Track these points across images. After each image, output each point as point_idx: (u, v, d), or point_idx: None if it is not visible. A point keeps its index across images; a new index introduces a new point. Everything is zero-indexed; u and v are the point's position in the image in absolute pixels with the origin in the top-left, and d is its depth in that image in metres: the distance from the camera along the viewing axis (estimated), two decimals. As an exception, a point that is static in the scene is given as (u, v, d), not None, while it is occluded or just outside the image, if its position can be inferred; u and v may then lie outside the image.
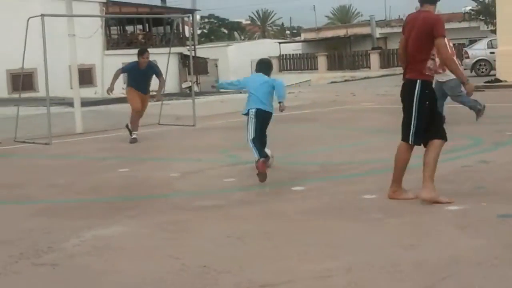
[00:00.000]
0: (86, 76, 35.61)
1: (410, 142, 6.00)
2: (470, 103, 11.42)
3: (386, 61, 38.55)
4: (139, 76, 11.30)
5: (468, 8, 44.92)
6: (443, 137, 6.00)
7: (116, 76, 11.46)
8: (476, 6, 36.96)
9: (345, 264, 4.28)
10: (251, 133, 7.51)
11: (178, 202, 6.55)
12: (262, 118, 7.59)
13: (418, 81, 5.85)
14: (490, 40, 27.57)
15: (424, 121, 5.93)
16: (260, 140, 7.54)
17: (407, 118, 6.02)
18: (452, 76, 11.33)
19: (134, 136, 11.21)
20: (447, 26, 34.72)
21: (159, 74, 11.62)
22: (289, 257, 4.52)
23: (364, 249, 4.63)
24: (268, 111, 7.64)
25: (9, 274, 4.44)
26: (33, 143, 11.68)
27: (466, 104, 11.55)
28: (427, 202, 5.77)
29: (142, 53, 11.38)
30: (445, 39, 5.84)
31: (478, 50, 27.71)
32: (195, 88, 21.34)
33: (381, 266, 4.23)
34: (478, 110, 11.48)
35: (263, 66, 7.96)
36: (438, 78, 11.84)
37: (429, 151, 5.93)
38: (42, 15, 11.66)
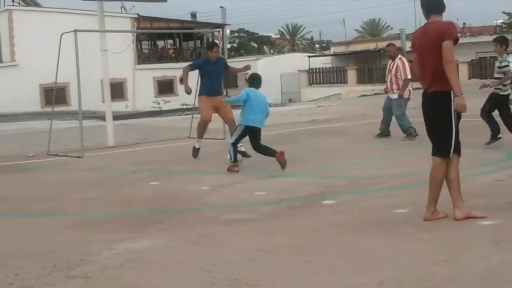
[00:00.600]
0: (117, 90, 36.03)
1: (450, 157, 5.74)
2: (405, 126, 11.94)
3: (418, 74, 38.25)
4: (212, 71, 10.80)
5: (499, 21, 44.53)
6: (459, 151, 5.86)
7: (186, 74, 10.94)
8: (508, 19, 36.63)
9: (376, 279, 4.24)
10: (237, 139, 9.28)
11: (208, 215, 6.57)
12: (258, 134, 9.24)
13: (451, 92, 5.65)
14: (522, 53, 27.23)
15: (458, 132, 5.82)
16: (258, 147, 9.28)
17: (443, 131, 5.74)
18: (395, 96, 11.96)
19: (197, 146, 10.87)
20: (479, 39, 34.31)
21: (228, 67, 11.31)
22: (320, 272, 4.50)
23: (395, 264, 4.59)
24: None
25: (42, 286, 4.49)
26: (66, 156, 11.83)
27: (401, 125, 12.06)
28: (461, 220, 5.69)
29: (211, 47, 11.00)
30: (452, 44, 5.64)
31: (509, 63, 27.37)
32: (225, 102, 21.41)
33: (413, 281, 4.19)
34: (410, 133, 11.84)
35: (259, 81, 9.44)
36: (391, 95, 12.06)
37: (452, 167, 5.77)
38: (75, 31, 11.82)
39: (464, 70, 37.14)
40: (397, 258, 4.74)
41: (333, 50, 52.40)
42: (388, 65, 12.45)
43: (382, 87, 14.15)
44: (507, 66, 10.21)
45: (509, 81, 10.32)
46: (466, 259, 4.66)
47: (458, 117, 5.79)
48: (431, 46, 5.68)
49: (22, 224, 6.64)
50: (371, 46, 47.69)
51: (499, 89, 10.35)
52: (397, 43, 45.11)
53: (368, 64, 42.57)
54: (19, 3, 44.07)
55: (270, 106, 9.15)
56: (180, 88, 33.69)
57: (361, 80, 40.82)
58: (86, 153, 11.69)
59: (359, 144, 11.69)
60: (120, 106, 32.57)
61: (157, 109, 33.30)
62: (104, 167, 10.47)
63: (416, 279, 4.22)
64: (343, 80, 42.28)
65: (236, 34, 72.85)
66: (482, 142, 10.39)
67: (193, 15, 48.72)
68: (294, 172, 8.71)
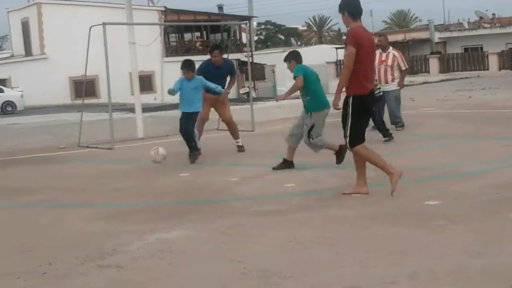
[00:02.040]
0: (146, 82, 36.26)
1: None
2: (399, 118, 12.20)
3: (446, 66, 37.94)
4: (214, 75, 10.33)
5: (531, 11, 43.87)
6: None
7: None
8: (539, 9, 36.01)
9: (408, 271, 4.23)
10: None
11: (238, 207, 6.59)
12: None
13: None
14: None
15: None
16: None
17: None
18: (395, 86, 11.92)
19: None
20: (509, 30, 33.85)
21: (233, 75, 11.02)
22: (352, 263, 4.49)
23: (427, 256, 4.57)
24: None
25: (76, 276, 4.55)
26: (96, 147, 11.95)
27: (395, 116, 12.15)
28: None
29: (211, 50, 10.75)
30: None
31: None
32: (253, 94, 21.43)
33: (445, 273, 4.16)
34: (402, 125, 12.23)
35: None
36: (384, 86, 11.91)
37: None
38: (104, 24, 11.88)
39: (494, 61, 36.67)
40: (428, 250, 4.71)
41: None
42: (378, 56, 12.16)
43: (412, 78, 14.05)
44: None
45: None
46: (498, 251, 4.62)
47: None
48: (374, 49, 6.67)
49: (55, 215, 6.72)
50: (399, 37, 47.25)
51: None
52: (426, 35, 44.76)
53: (396, 56, 42.19)
54: (48, -4, 44.53)
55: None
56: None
57: (389, 72, 40.50)
58: (116, 144, 11.79)
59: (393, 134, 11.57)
60: (148, 99, 32.77)
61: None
62: (134, 159, 10.56)
63: (449, 271, 4.20)
64: (371, 72, 41.97)
65: (263, 27, 72.81)
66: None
67: (220, 7, 48.81)
68: (322, 164, 8.69)
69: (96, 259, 4.88)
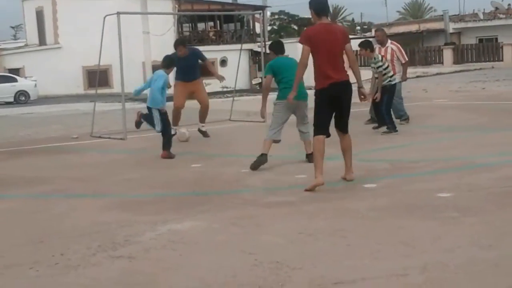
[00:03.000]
0: (159, 72, 36.13)
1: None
2: (402, 111, 12.04)
3: (460, 57, 37.72)
4: (184, 65, 11.03)
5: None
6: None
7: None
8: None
9: (420, 263, 4.22)
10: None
11: (249, 198, 6.60)
12: None
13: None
14: None
15: None
16: None
17: (348, 113, 7.00)
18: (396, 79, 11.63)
19: (172, 132, 10.73)
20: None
21: (204, 59, 11.64)
22: (362, 255, 4.49)
23: (439, 248, 4.56)
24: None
25: (88, 266, 4.58)
26: (109, 138, 12.00)
27: (399, 109, 11.97)
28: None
29: (175, 46, 11.25)
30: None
31: None
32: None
33: (457, 265, 4.16)
34: (406, 118, 12.07)
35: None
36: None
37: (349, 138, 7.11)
38: (118, 13, 11.87)
39: (509, 52, 36.40)
40: (440, 242, 4.70)
41: (374, 32, 51.78)
42: (377, 51, 11.87)
43: (425, 69, 13.94)
44: None
45: None
46: (510, 244, 4.60)
47: None
48: (340, 44, 6.77)
49: (67, 204, 6.76)
50: (413, 28, 47.02)
51: None
52: (440, 25, 44.49)
53: (410, 46, 41.96)
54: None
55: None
56: (220, 71, 33.79)
57: (403, 63, 40.29)
58: (129, 135, 11.83)
59: (401, 127, 11.54)
60: (161, 89, 32.76)
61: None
62: (146, 149, 10.59)
63: (460, 263, 4.19)
64: (384, 63, 41.79)
65: (276, 17, 72.58)
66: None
67: (234, -3, 48.66)
68: (334, 155, 8.66)
69: (108, 250, 4.91)
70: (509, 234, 4.84)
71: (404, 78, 12.07)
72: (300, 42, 6.76)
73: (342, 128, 7.03)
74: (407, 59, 12.30)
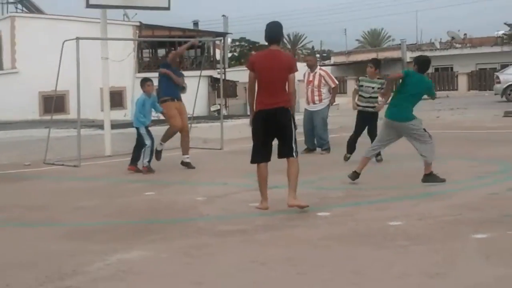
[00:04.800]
0: (116, 98, 35.91)
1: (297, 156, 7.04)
2: (326, 140, 12.27)
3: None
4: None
5: (501, 33, 44.62)
6: None
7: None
8: (509, 30, 36.70)
9: (368, 292, 4.23)
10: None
11: (202, 226, 6.55)
12: None
13: (289, 108, 6.97)
14: (522, 65, 27.33)
15: None
16: None
17: (292, 138, 6.98)
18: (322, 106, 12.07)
19: (159, 148, 10.84)
20: (479, 50, 34.46)
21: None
22: (314, 284, 4.49)
23: (389, 277, 4.59)
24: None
25: (33, 297, 4.48)
26: (62, 165, 11.81)
27: (322, 138, 12.23)
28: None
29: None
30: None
31: (509, 75, 27.43)
32: (224, 111, 21.43)
33: (405, 295, 4.18)
34: (327, 148, 12.31)
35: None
36: (311, 107, 12.04)
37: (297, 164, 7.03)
38: (77, 38, 11.73)
39: (463, 81, 37.20)
40: (390, 271, 4.73)
41: (333, 60, 52.44)
42: (306, 76, 12.31)
43: (380, 98, 14.05)
44: None
45: None
46: (458, 272, 4.66)
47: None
48: (283, 71, 6.92)
49: (17, 233, 6.62)
50: (371, 56, 47.63)
51: None
52: (398, 54, 45.27)
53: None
54: (22, 10, 44.19)
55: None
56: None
57: (361, 91, 40.83)
58: (83, 162, 11.67)
59: (353, 156, 11.62)
60: (118, 115, 32.45)
61: (156, 118, 33.24)
62: (100, 177, 10.46)
63: (408, 293, 4.21)
64: (342, 91, 42.26)
65: (237, 43, 72.99)
66: (480, 154, 10.40)
67: (195, 23, 48.82)
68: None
69: (55, 280, 4.80)
70: (456, 262, 4.91)
71: (332, 101, 12.30)
72: (246, 67, 7.07)
73: (286, 153, 7.00)
74: (337, 83, 12.60)
